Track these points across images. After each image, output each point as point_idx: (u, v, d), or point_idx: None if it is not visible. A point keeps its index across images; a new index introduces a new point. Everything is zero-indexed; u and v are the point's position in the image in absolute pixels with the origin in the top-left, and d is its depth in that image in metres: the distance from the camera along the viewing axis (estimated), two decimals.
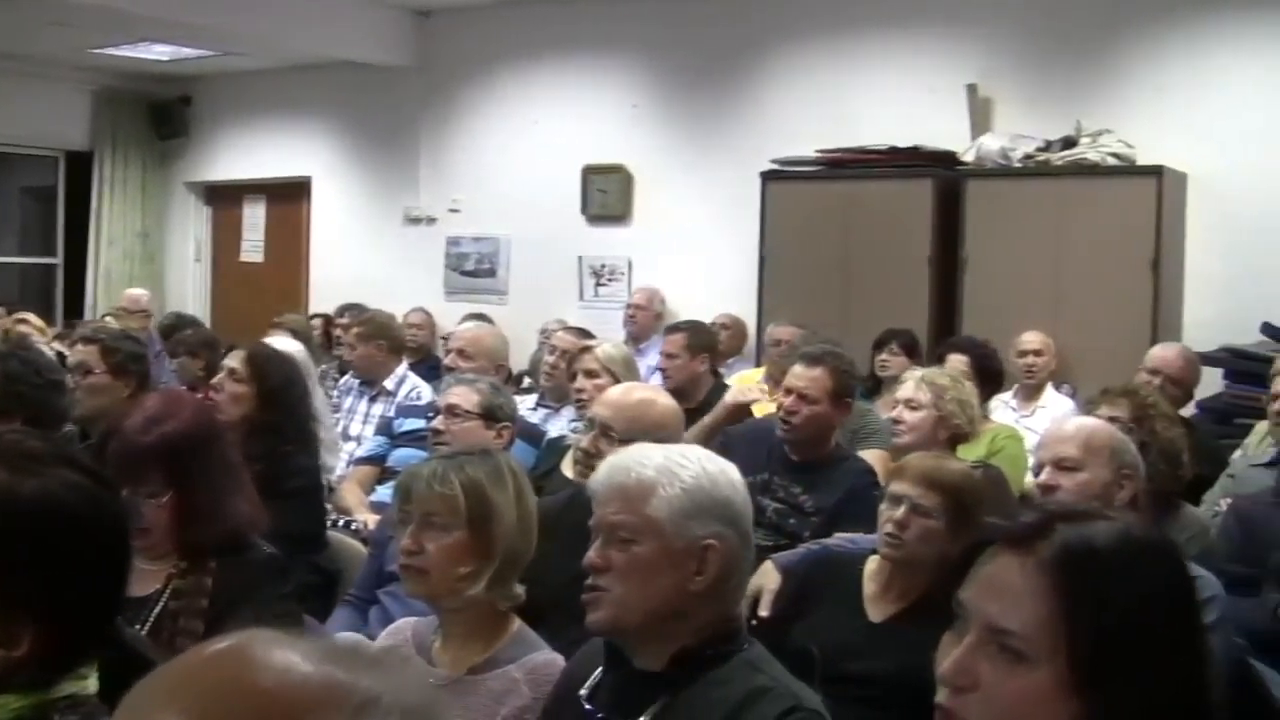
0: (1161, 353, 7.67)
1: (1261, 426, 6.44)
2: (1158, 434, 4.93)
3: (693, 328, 7.84)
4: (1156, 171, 8.95)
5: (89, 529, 2.34)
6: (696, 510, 2.77)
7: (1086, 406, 5.21)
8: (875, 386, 8.30)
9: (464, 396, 5.39)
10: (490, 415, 5.36)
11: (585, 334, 8.03)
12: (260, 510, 3.78)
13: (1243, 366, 8.06)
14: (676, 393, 6.63)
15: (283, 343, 6.61)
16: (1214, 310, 9.10)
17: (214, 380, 5.51)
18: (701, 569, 2.78)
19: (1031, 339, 8.53)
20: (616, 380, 6.06)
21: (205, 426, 3.75)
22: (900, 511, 4.00)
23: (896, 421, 5.69)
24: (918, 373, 5.89)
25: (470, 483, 3.24)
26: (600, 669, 2.90)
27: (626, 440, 4.23)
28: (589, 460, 4.30)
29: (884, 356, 8.49)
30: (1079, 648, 1.68)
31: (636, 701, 2.76)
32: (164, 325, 10.44)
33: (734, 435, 5.76)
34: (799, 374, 5.56)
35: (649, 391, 4.69)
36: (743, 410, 6.21)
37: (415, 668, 3.24)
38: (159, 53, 13.16)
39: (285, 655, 1.10)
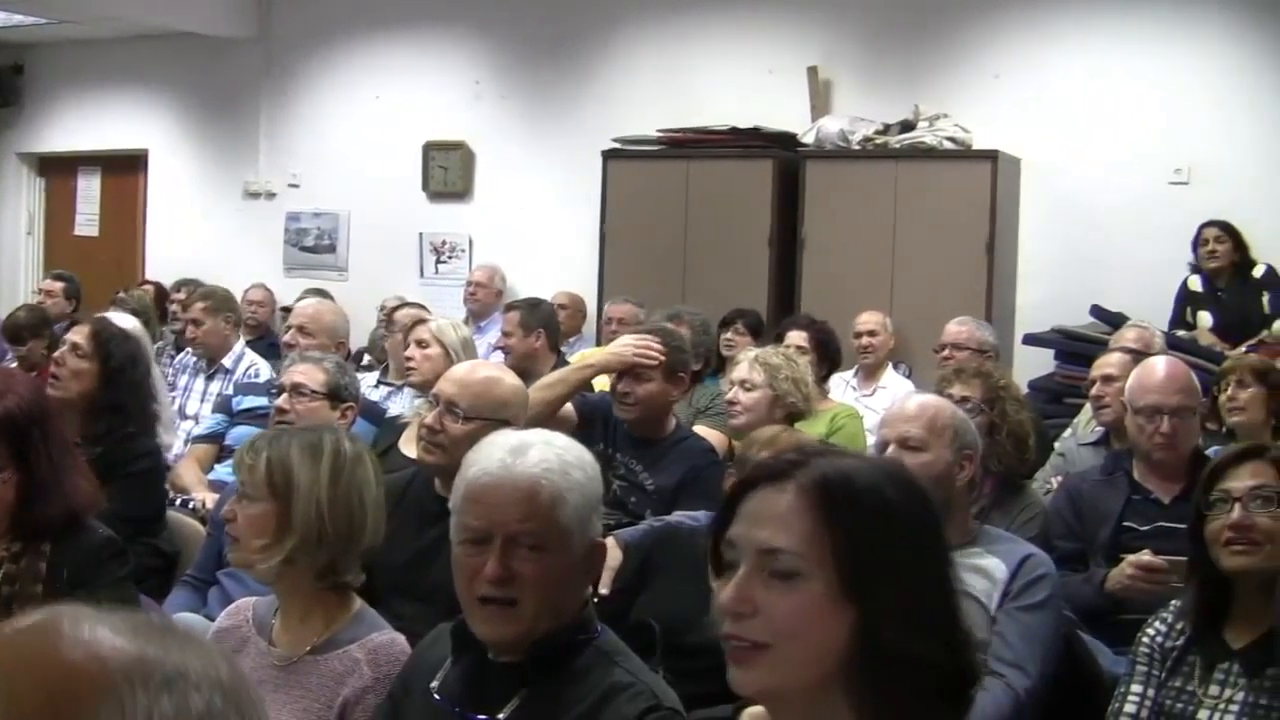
0: (956, 328, 7.91)
1: (1090, 406, 6.59)
2: (1008, 416, 5.03)
3: (527, 305, 7.81)
4: (992, 156, 9.13)
5: None
6: (589, 510, 2.74)
7: (939, 385, 5.26)
8: (721, 365, 8.34)
9: (309, 375, 5.29)
10: (335, 395, 5.29)
11: (424, 310, 8.01)
12: (98, 490, 3.72)
13: (1073, 348, 8.25)
14: (517, 371, 6.63)
15: (120, 318, 6.49)
16: (1046, 292, 9.30)
17: (55, 355, 5.37)
18: (591, 567, 2.79)
19: (868, 319, 8.58)
20: (447, 353, 6.06)
21: (41, 403, 3.68)
22: None
23: (731, 402, 5.73)
24: (751, 353, 5.90)
25: (278, 456, 3.21)
26: (449, 661, 2.83)
27: (470, 418, 4.22)
28: (433, 437, 4.28)
29: (729, 336, 8.54)
30: (843, 555, 1.81)
31: (492, 695, 2.71)
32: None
33: (591, 404, 5.73)
34: None
35: (495, 370, 4.66)
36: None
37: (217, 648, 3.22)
38: None
39: (94, 629, 1.10)
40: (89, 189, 14.33)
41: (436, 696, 2.79)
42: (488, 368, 4.70)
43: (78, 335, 5.31)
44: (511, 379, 4.52)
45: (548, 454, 2.73)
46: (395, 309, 8.36)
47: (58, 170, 14.60)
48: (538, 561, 2.66)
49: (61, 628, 1.10)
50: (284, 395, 5.28)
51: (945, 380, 5.31)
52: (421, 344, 6.32)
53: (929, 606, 1.84)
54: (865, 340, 8.50)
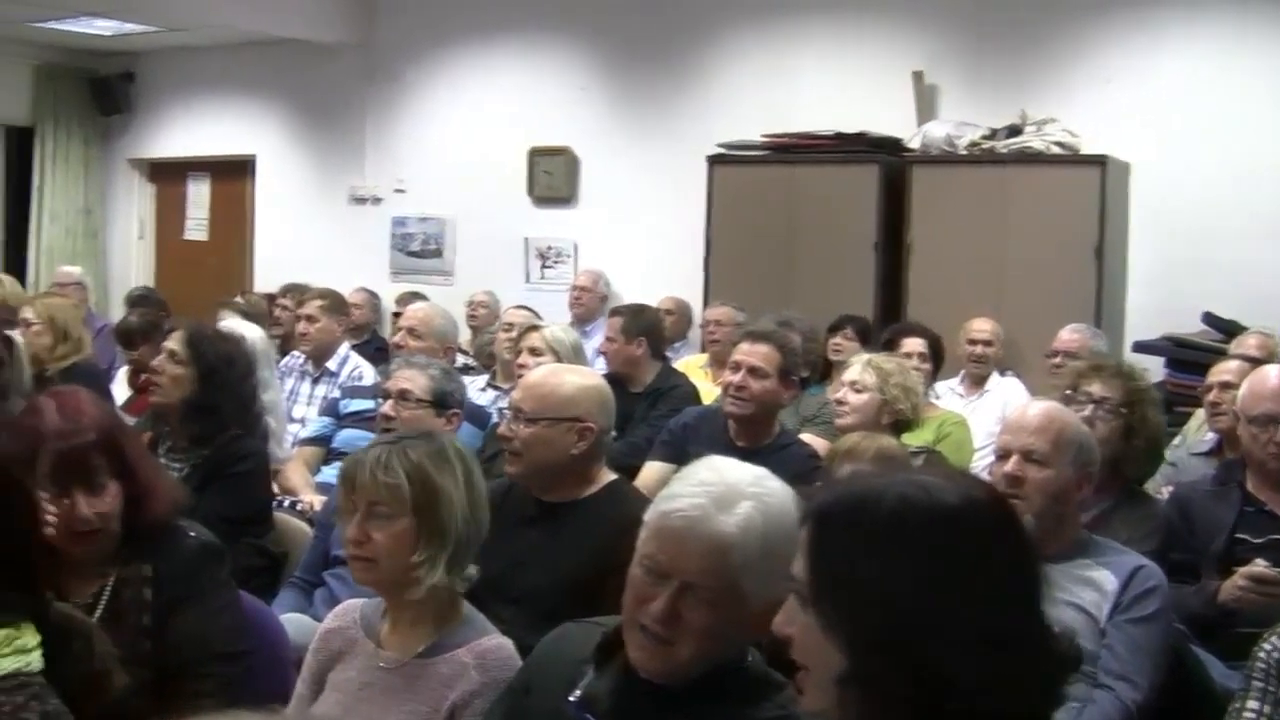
0: (1069, 335, 7.83)
1: (1200, 414, 6.50)
2: (1147, 420, 4.90)
3: (630, 311, 7.76)
4: (1100, 161, 9.01)
5: None
6: (781, 568, 2.47)
7: (1075, 379, 5.10)
8: (827, 371, 8.25)
9: (415, 381, 5.26)
10: (441, 402, 5.26)
11: (533, 313, 8.08)
12: (181, 488, 3.76)
13: (1184, 355, 8.13)
14: (618, 376, 6.65)
15: (240, 324, 6.56)
16: (1156, 299, 9.18)
17: (153, 363, 5.39)
18: (765, 624, 2.71)
19: (983, 328, 8.48)
20: (560, 360, 6.04)
21: (115, 415, 3.74)
22: None
23: (840, 402, 5.71)
24: (865, 356, 5.90)
25: (415, 468, 3.19)
26: (591, 672, 2.74)
27: (534, 419, 4.20)
28: (508, 445, 4.25)
29: (838, 341, 8.44)
30: (814, 588, 1.93)
31: (641, 715, 2.65)
32: (131, 296, 10.52)
33: (695, 420, 5.73)
34: (748, 350, 5.54)
35: (565, 371, 4.60)
36: None
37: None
38: (101, 27, 12.98)
39: None
40: (198, 194, 14.50)
41: (586, 715, 2.70)
42: (562, 370, 4.66)
43: (174, 342, 5.32)
44: (581, 379, 4.43)
45: (754, 515, 2.59)
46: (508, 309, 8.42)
47: (167, 176, 14.77)
48: (708, 614, 2.57)
49: None
50: (389, 401, 5.27)
51: (1083, 376, 5.10)
52: (535, 351, 6.32)
53: (929, 639, 1.84)
54: (980, 350, 8.40)
